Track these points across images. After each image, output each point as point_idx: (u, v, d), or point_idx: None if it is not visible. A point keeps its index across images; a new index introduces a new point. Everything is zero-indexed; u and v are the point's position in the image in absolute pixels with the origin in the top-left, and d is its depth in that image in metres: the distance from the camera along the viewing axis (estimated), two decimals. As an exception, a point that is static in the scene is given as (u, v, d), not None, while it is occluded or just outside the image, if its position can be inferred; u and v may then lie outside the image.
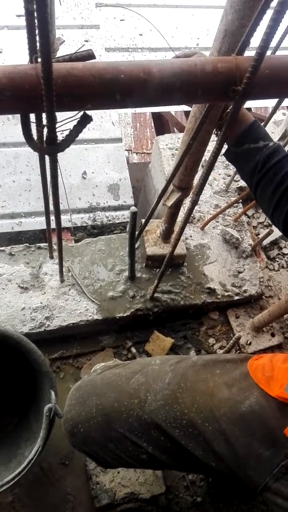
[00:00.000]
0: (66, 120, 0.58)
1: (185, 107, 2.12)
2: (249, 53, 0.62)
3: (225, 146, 0.82)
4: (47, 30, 0.46)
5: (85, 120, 0.61)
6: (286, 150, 0.80)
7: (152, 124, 3.00)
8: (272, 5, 0.54)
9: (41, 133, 0.66)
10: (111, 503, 1.13)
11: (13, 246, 1.39)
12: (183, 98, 0.62)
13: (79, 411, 0.90)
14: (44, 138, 0.63)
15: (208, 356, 0.96)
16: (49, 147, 0.62)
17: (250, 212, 1.69)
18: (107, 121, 1.90)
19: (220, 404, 0.82)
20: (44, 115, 0.61)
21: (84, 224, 1.67)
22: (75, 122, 0.62)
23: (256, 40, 0.60)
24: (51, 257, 1.39)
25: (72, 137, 0.61)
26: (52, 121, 0.58)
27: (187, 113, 2.64)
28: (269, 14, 0.55)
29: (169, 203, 1.18)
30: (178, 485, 1.23)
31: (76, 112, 0.60)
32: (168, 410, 0.85)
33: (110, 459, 0.89)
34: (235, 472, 0.80)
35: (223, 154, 0.86)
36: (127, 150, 2.21)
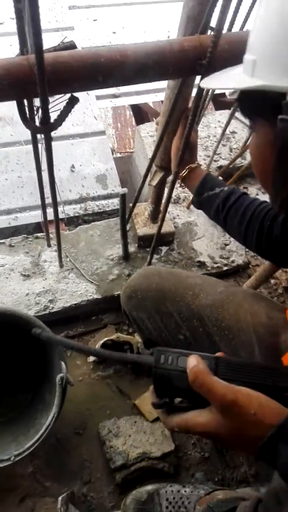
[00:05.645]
0: (57, 100, 0.67)
1: (162, 98, 2.21)
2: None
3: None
4: (38, 22, 0.54)
5: (73, 101, 0.70)
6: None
7: (134, 123, 3.06)
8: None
9: (34, 115, 0.75)
10: (125, 463, 1.22)
11: (12, 238, 1.48)
12: (156, 75, 0.71)
13: (141, 281, 1.05)
14: (38, 120, 0.72)
15: (258, 292, 1.10)
16: (43, 127, 0.70)
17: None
18: (89, 116, 1.99)
19: (258, 325, 0.92)
20: (36, 101, 0.70)
21: (77, 214, 1.76)
22: (64, 104, 0.71)
23: (214, 22, 0.70)
24: (49, 245, 1.47)
25: (63, 117, 0.70)
26: (45, 102, 0.67)
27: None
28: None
29: (154, 182, 1.27)
30: (186, 443, 1.32)
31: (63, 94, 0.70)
32: (213, 310, 0.97)
33: (152, 329, 1.03)
34: None
35: (192, 204, 1.06)
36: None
